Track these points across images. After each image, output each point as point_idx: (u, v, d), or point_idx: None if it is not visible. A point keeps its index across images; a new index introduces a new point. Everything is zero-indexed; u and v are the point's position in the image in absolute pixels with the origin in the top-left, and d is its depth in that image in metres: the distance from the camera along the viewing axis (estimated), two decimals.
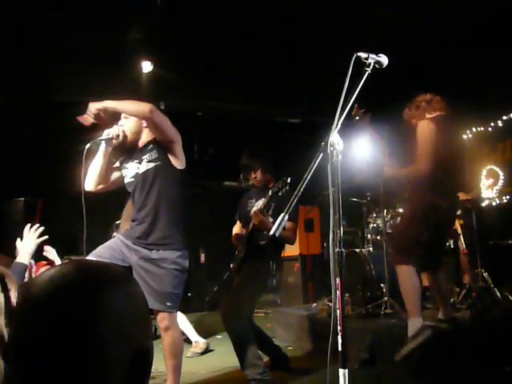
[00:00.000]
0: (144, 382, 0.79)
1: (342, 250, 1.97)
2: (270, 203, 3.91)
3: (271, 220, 3.82)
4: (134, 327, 0.77)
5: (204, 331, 5.46)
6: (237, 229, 4.37)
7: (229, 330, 3.88)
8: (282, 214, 2.07)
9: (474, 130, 7.54)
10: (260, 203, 4.02)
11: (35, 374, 0.69)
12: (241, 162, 4.22)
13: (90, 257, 3.16)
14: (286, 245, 4.33)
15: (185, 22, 5.65)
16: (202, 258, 9.11)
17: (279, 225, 2.07)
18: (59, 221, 6.78)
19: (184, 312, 5.31)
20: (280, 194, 3.79)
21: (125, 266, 3.15)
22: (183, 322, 5.22)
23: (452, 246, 5.60)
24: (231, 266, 4.17)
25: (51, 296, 0.72)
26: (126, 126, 3.35)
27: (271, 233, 2.07)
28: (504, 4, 5.18)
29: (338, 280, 1.92)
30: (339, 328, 1.91)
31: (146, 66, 6.42)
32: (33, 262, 2.69)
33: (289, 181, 3.77)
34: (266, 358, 4.11)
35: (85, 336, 0.71)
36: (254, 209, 4.04)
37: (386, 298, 4.99)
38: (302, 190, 2.06)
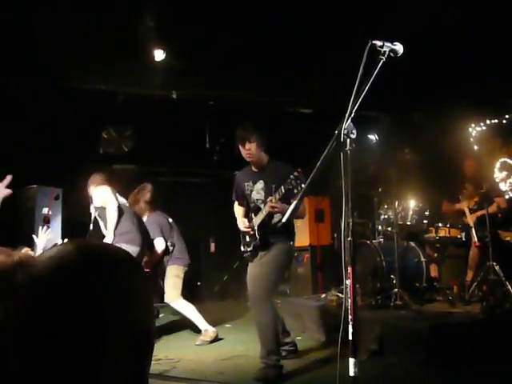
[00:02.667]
0: (145, 366, 0.79)
1: (353, 238, 1.96)
2: (280, 192, 3.87)
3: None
4: (136, 309, 0.77)
5: (213, 320, 5.47)
6: (240, 212, 4.29)
7: (258, 314, 3.86)
8: (295, 202, 2.06)
9: (487, 122, 7.45)
10: (259, 186, 4.00)
11: (35, 353, 0.69)
12: (237, 132, 4.08)
13: None
14: (297, 236, 4.31)
15: (197, 10, 5.61)
16: (212, 247, 9.12)
17: (292, 212, 2.06)
18: (72, 208, 6.83)
19: (193, 301, 5.34)
20: (295, 191, 3.56)
21: None
22: (192, 310, 5.25)
23: (464, 239, 5.55)
24: (244, 254, 4.16)
25: (51, 274, 0.73)
26: None
27: (283, 220, 2.07)
28: None
29: (349, 269, 1.91)
30: (350, 317, 1.91)
31: (159, 55, 6.39)
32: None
33: (304, 184, 3.52)
34: None
35: (85, 314, 0.71)
36: (257, 196, 4.02)
37: (395, 290, 4.98)
38: (314, 178, 2.05)
